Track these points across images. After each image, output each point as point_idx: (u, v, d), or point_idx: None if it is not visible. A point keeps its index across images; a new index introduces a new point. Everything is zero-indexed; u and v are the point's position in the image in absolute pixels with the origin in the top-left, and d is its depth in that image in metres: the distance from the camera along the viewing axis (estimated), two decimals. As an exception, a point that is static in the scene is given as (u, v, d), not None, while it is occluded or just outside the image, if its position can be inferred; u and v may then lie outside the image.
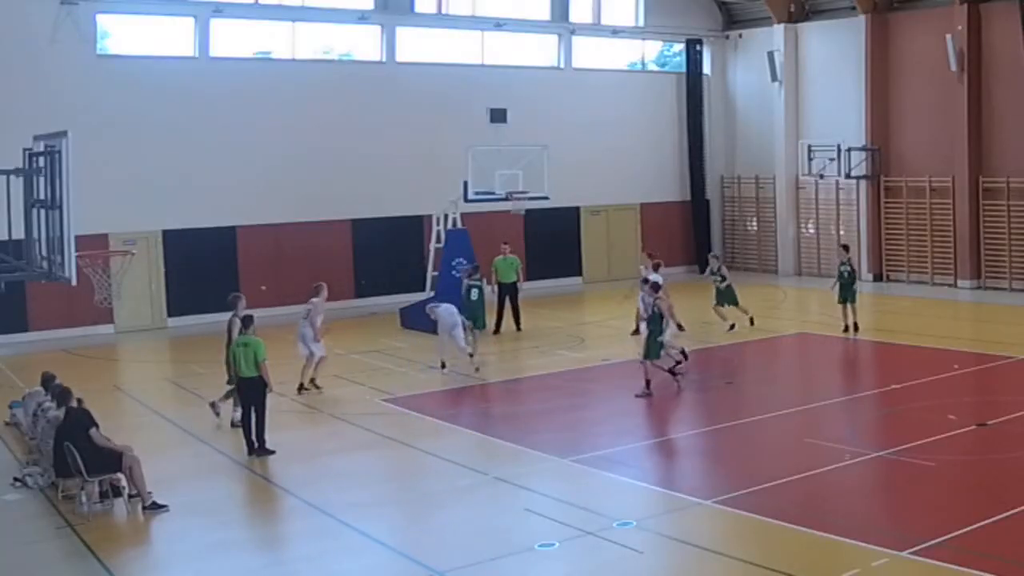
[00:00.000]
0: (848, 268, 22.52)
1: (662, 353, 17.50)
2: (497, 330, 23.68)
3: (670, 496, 12.49)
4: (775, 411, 16.47)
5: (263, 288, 27.43)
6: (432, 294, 23.69)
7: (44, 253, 11.55)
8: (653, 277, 19.88)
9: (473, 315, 20.48)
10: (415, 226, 28.61)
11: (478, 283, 21.10)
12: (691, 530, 11.42)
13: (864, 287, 30.61)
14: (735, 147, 35.61)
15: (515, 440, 14.99)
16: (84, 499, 12.29)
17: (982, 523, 11.00)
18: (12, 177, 11.50)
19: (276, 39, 28.43)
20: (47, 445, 13.33)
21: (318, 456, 14.74)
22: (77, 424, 12.47)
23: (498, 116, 26.25)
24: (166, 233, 26.30)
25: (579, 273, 31.16)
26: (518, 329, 24.05)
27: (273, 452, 14.52)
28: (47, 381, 14.96)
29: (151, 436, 15.32)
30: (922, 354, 20.60)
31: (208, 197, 26.57)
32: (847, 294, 22.46)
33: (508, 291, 24.04)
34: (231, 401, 15.93)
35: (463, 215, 25.34)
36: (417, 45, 30.17)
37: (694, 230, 35.09)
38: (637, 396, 17.09)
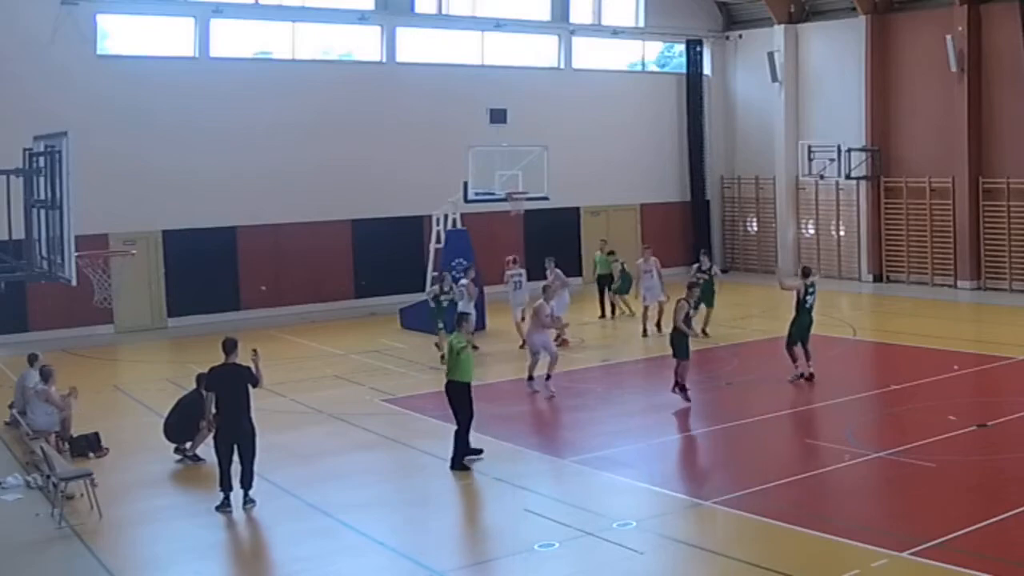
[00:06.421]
0: None
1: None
2: (603, 314, 26.20)
3: (670, 496, 12.48)
4: (775, 411, 16.47)
5: (263, 288, 27.47)
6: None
7: (44, 253, 11.56)
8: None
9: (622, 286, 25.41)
10: (415, 226, 28.56)
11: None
12: (691, 530, 11.43)
13: (864, 288, 30.72)
14: (735, 147, 35.61)
15: (515, 440, 14.99)
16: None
17: (982, 523, 11.00)
18: (12, 177, 11.51)
19: (276, 39, 28.42)
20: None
21: (318, 456, 14.73)
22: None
23: (498, 116, 26.16)
24: (166, 233, 26.28)
25: (579, 273, 31.07)
26: (612, 316, 26.08)
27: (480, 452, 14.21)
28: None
29: (151, 436, 15.29)
30: (922, 355, 20.58)
31: (208, 197, 26.55)
32: None
33: (605, 282, 26.31)
34: None
35: (463, 215, 25.33)
36: (417, 45, 30.16)
37: (694, 230, 35.06)
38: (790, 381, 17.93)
